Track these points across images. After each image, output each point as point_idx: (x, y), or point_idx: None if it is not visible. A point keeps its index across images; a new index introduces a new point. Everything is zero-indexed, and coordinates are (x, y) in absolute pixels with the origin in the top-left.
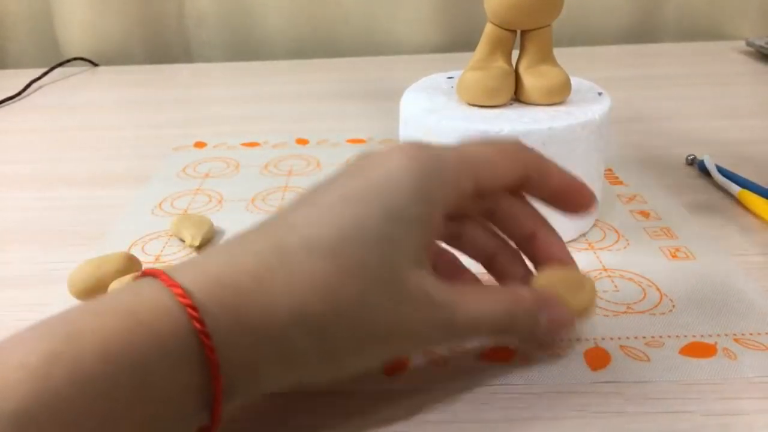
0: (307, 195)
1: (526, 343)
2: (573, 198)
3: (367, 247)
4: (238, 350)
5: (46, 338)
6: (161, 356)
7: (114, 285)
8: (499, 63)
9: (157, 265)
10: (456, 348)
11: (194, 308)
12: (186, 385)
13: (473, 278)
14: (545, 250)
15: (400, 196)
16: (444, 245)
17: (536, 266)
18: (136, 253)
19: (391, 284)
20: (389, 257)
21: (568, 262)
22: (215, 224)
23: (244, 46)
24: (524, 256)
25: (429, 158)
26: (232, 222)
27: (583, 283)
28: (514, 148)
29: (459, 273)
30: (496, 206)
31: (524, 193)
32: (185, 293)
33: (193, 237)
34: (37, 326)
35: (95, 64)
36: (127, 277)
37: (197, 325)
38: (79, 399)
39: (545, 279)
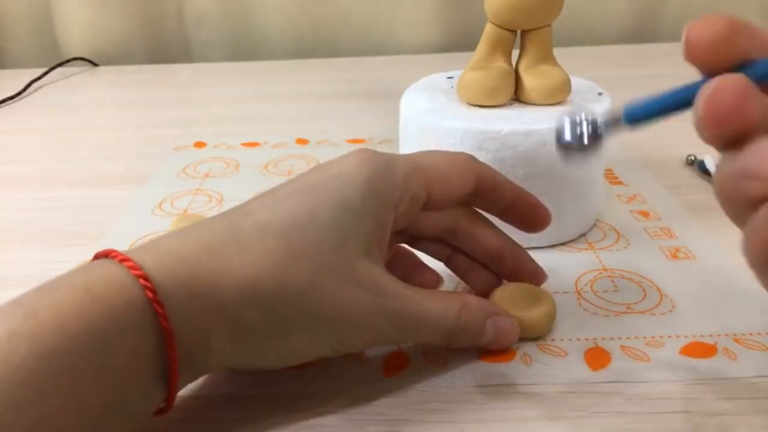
0: (267, 190)
1: (471, 349)
2: (527, 213)
3: (319, 232)
4: (190, 320)
5: (4, 319)
6: (117, 327)
7: None
8: (499, 63)
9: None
10: (429, 359)
11: (146, 279)
12: (143, 354)
13: (435, 276)
14: (514, 266)
15: (351, 190)
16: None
17: (509, 281)
18: None
19: (340, 268)
20: (340, 243)
21: (539, 275)
22: None
23: (244, 46)
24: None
25: (380, 161)
26: None
27: (541, 297)
28: (466, 159)
29: (420, 272)
30: (457, 226)
31: (478, 208)
32: (137, 266)
33: None
34: None
35: (95, 64)
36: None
37: (150, 295)
38: (43, 374)
39: (503, 292)
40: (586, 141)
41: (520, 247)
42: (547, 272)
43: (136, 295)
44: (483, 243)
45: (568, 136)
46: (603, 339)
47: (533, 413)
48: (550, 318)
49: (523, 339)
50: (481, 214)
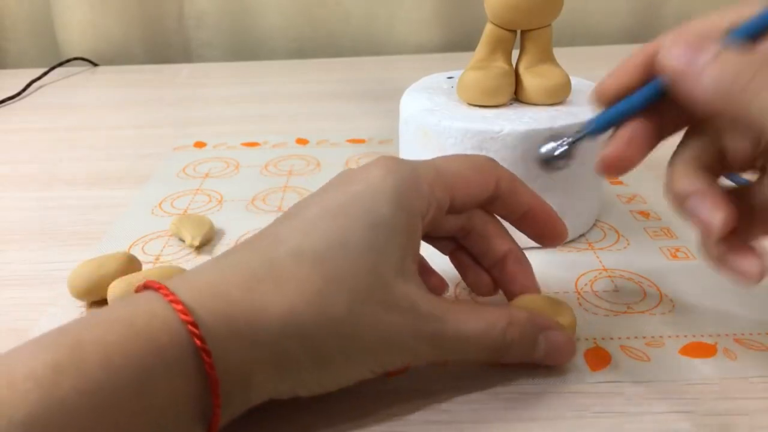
0: (292, 210)
1: (519, 364)
2: (542, 224)
3: (353, 255)
4: (232, 358)
5: (50, 349)
6: (160, 365)
7: (114, 285)
8: (499, 63)
9: (156, 265)
10: (450, 364)
11: (194, 325)
12: (185, 395)
13: (441, 282)
14: (512, 276)
15: (380, 206)
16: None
17: (504, 291)
18: (136, 253)
19: (377, 292)
20: (374, 265)
21: (534, 289)
22: (215, 224)
23: (244, 46)
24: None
25: (406, 171)
26: (232, 222)
27: (563, 308)
28: (488, 164)
29: (426, 276)
30: (470, 226)
31: (495, 213)
32: (185, 309)
33: (193, 237)
34: (41, 338)
35: (95, 64)
36: (128, 278)
37: (198, 342)
38: (85, 408)
39: (527, 301)
40: (559, 153)
41: (526, 259)
42: (547, 272)
43: (180, 336)
44: (490, 246)
45: (543, 150)
46: (603, 339)
47: (533, 413)
48: (572, 329)
49: None
50: (495, 218)
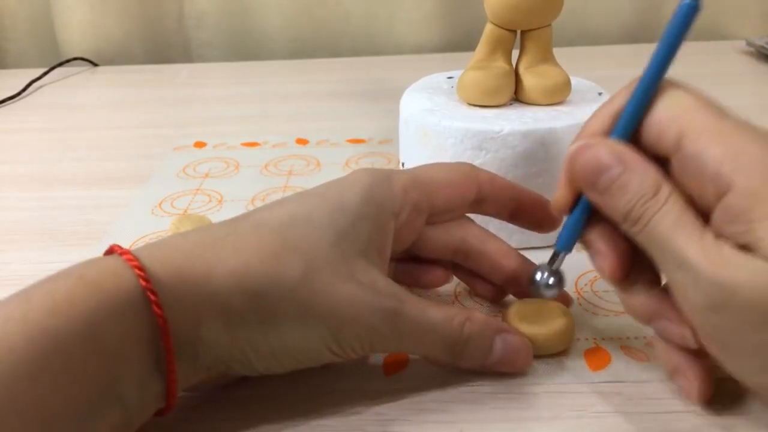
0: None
1: (474, 369)
2: (534, 212)
3: (315, 228)
4: (180, 307)
5: (2, 305)
6: (107, 310)
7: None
8: (499, 63)
9: None
10: (409, 356)
11: (141, 268)
12: (135, 339)
13: (444, 273)
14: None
15: (349, 195)
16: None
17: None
18: None
19: (335, 263)
20: (335, 241)
21: (564, 297)
22: None
23: (244, 46)
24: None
25: (379, 173)
26: None
27: (559, 314)
28: (466, 168)
29: (428, 269)
30: (466, 246)
31: (486, 215)
32: (133, 257)
33: None
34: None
35: (95, 64)
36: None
37: (143, 283)
38: (34, 354)
39: (518, 306)
40: (550, 282)
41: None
42: None
43: (127, 281)
44: (495, 263)
45: (538, 279)
46: (603, 339)
47: (533, 413)
48: (570, 332)
49: (542, 355)
50: (491, 234)
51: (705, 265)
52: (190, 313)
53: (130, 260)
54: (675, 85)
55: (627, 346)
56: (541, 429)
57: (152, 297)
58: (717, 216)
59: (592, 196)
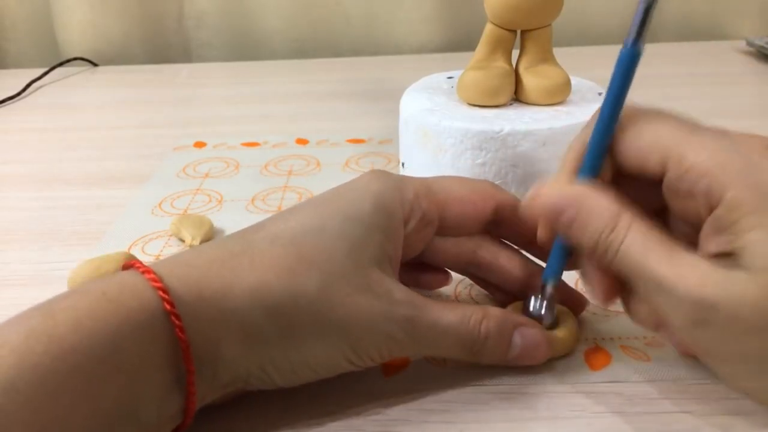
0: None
1: (495, 364)
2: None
3: (328, 239)
4: (201, 326)
5: (24, 319)
6: (129, 329)
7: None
8: (499, 63)
9: None
10: (429, 359)
11: (165, 291)
12: (156, 359)
13: (444, 274)
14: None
15: (361, 203)
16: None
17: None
18: (136, 253)
19: (350, 275)
20: (349, 251)
21: (581, 301)
22: (215, 224)
23: (244, 46)
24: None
25: (392, 180)
26: (232, 222)
27: (563, 317)
28: (486, 185)
29: (429, 271)
30: (478, 258)
31: (502, 239)
32: (156, 277)
33: (193, 237)
34: (18, 314)
35: (95, 64)
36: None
37: (167, 307)
38: (57, 371)
39: (519, 305)
40: (543, 312)
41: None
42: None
43: (149, 300)
44: (508, 275)
45: (531, 309)
46: (603, 339)
47: (533, 413)
48: (573, 336)
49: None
50: (505, 244)
51: (681, 285)
52: (210, 331)
53: (153, 281)
54: (644, 110)
55: (627, 346)
56: (541, 429)
57: (176, 322)
58: (706, 228)
59: (560, 234)
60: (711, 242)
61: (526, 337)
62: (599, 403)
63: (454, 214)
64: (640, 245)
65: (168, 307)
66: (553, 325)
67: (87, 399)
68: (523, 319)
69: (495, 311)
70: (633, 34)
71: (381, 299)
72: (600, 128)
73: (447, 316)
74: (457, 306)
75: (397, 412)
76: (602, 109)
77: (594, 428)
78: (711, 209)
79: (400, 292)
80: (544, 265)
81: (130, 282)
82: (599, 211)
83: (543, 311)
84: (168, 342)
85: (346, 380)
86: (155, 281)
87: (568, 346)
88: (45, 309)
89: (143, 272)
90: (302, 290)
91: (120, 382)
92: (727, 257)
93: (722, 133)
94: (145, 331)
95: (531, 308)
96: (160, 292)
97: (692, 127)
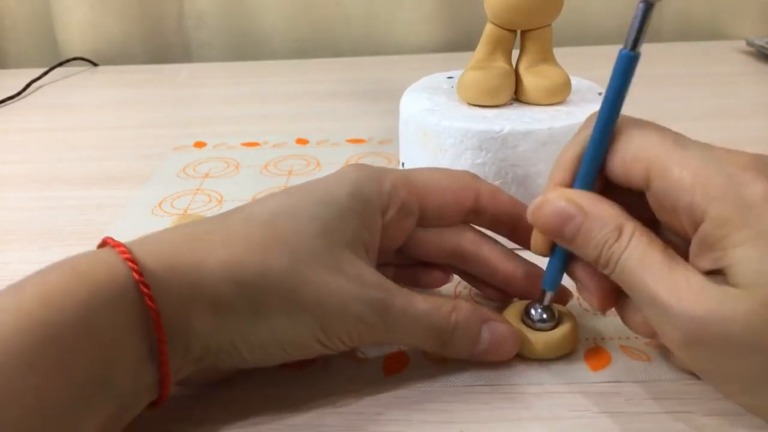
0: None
1: (463, 358)
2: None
3: (302, 221)
4: (171, 298)
5: None
6: (99, 302)
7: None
8: (500, 63)
9: None
10: (428, 357)
11: (134, 261)
12: (128, 330)
13: (443, 274)
14: (533, 287)
15: (337, 189)
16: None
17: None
18: None
19: (322, 255)
20: (322, 233)
21: (564, 294)
22: None
23: (244, 46)
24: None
25: (369, 169)
26: None
27: (563, 317)
28: (466, 175)
29: (427, 270)
30: (462, 250)
31: (486, 228)
32: (126, 249)
33: None
34: None
35: (95, 64)
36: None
37: (136, 276)
38: (28, 344)
39: (518, 306)
40: (544, 317)
41: (534, 266)
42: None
43: (119, 273)
44: (493, 267)
45: (533, 315)
46: (603, 339)
47: (533, 413)
48: (573, 338)
49: (546, 359)
50: (487, 238)
51: (674, 302)
52: (181, 303)
53: (122, 252)
54: (631, 121)
55: (627, 346)
56: (541, 429)
57: (145, 290)
58: (694, 244)
59: (562, 244)
60: (700, 259)
61: (494, 332)
62: (599, 403)
63: (434, 204)
64: (639, 257)
65: (136, 276)
66: (554, 327)
67: (60, 370)
68: (493, 314)
69: (465, 304)
70: (631, 40)
71: (352, 281)
72: (597, 138)
73: (419, 303)
74: (429, 296)
75: (397, 412)
76: (599, 119)
77: (594, 428)
78: (695, 225)
79: (372, 275)
80: (535, 259)
81: (101, 257)
82: (605, 220)
83: (544, 316)
84: (139, 313)
85: (346, 380)
86: (124, 253)
87: (568, 346)
88: (15, 286)
89: (114, 246)
90: (274, 266)
91: (93, 353)
92: (717, 274)
93: (705, 147)
94: (116, 303)
95: (532, 315)
96: (129, 263)
97: (676, 139)
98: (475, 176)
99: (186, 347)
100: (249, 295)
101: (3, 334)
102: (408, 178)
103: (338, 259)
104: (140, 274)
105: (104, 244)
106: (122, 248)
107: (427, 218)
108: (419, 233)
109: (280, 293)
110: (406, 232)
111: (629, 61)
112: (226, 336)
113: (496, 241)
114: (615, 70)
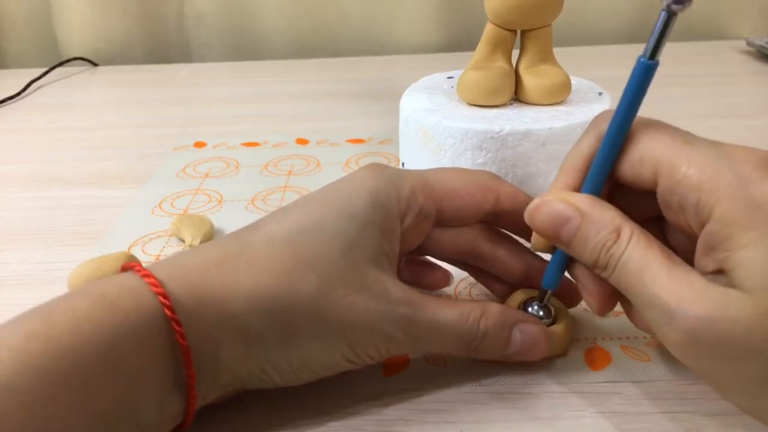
0: (280, 207)
1: (495, 360)
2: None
3: (325, 239)
4: (200, 330)
5: (23, 320)
6: (128, 332)
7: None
8: (500, 63)
9: None
10: (428, 358)
11: (165, 296)
12: (154, 361)
13: (445, 274)
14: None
15: (357, 200)
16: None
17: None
18: (136, 253)
19: (347, 274)
20: (346, 250)
21: (575, 296)
22: (215, 224)
23: (244, 46)
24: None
25: (389, 174)
26: (232, 222)
27: (559, 314)
28: (486, 176)
29: (430, 271)
30: (477, 248)
31: (503, 229)
32: (156, 282)
33: (193, 237)
34: (17, 315)
35: (95, 64)
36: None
37: (168, 313)
38: (55, 372)
39: (521, 295)
40: (541, 314)
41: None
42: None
43: (147, 303)
44: (507, 265)
45: (530, 312)
46: (603, 339)
47: (533, 413)
48: (569, 330)
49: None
50: (504, 234)
51: (675, 303)
52: (209, 335)
53: (153, 285)
54: (640, 121)
55: (627, 346)
56: (541, 429)
57: (177, 328)
58: (700, 244)
59: (560, 246)
60: (705, 259)
61: (526, 333)
62: (599, 403)
63: (451, 206)
64: (638, 259)
65: (169, 313)
66: (550, 324)
67: (85, 400)
68: (522, 315)
69: (494, 308)
70: (650, 49)
71: (378, 299)
72: (609, 144)
73: (445, 313)
74: (455, 303)
75: (397, 412)
76: (611, 127)
77: (594, 428)
78: (702, 223)
79: (398, 290)
80: (544, 256)
81: (128, 284)
82: (603, 222)
83: (540, 313)
84: (167, 345)
85: (346, 380)
86: (155, 285)
87: (564, 343)
88: (44, 311)
89: (143, 276)
90: (299, 293)
91: (118, 383)
92: (721, 274)
93: (715, 145)
94: (143, 333)
95: (529, 312)
96: (161, 298)
97: (685, 137)
98: (494, 177)
99: (215, 376)
100: (277, 323)
101: (32, 360)
102: (426, 180)
103: (363, 278)
104: (172, 310)
105: (129, 267)
106: (152, 279)
107: (445, 220)
108: (435, 233)
109: (308, 318)
110: (423, 234)
111: (647, 70)
112: (255, 364)
113: (512, 239)
114: (631, 77)
